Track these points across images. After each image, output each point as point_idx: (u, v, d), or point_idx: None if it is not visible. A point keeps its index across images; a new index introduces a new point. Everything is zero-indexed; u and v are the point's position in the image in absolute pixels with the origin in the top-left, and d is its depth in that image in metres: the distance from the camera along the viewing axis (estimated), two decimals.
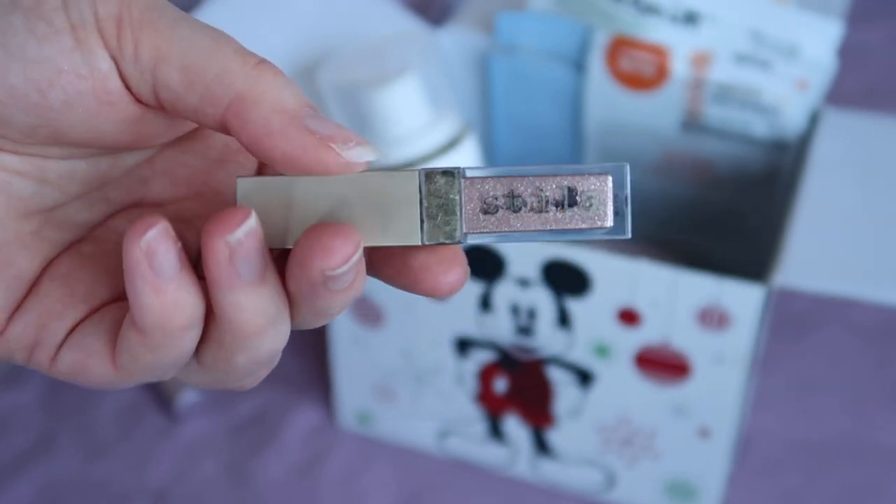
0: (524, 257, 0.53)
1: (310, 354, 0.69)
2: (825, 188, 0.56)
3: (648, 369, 0.55)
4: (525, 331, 0.56)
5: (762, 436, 0.64)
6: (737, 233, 0.66)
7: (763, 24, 0.59)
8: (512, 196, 0.25)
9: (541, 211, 0.25)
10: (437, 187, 0.25)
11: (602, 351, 0.55)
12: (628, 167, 0.25)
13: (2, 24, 0.25)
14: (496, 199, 0.25)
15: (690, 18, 0.60)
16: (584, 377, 0.57)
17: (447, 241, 0.25)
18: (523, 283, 0.54)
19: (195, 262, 0.28)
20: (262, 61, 0.26)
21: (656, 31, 0.60)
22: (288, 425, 0.65)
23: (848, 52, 0.65)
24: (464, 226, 0.25)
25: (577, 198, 0.25)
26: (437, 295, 0.27)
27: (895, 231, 0.55)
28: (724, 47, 0.60)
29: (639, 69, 0.60)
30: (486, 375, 0.59)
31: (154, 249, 0.25)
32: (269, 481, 0.63)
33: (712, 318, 0.52)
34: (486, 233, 0.26)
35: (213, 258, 0.25)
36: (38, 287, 0.28)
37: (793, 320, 0.71)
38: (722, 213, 0.65)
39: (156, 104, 0.26)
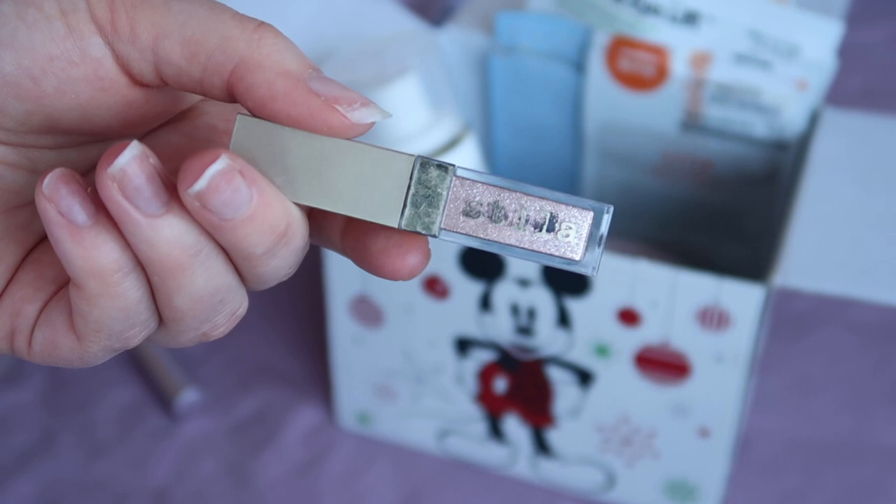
0: None
1: (310, 354, 0.69)
2: (825, 188, 0.56)
3: (648, 369, 0.55)
4: (525, 331, 0.56)
5: (762, 435, 0.64)
6: (737, 233, 0.66)
7: (763, 24, 0.59)
8: (496, 206, 0.26)
9: (519, 228, 0.26)
10: (429, 178, 0.26)
11: (602, 351, 0.55)
12: (612, 210, 0.26)
13: None
14: (480, 205, 0.26)
15: (690, 18, 0.60)
16: (584, 377, 0.57)
17: (422, 232, 0.26)
18: (523, 282, 0.54)
19: None
20: (262, 24, 0.26)
21: (656, 32, 0.60)
22: (288, 425, 0.65)
23: (848, 52, 0.65)
24: (442, 221, 0.26)
25: (556, 225, 0.26)
26: (397, 278, 0.27)
27: (895, 231, 0.55)
28: (724, 47, 0.60)
29: (639, 69, 0.60)
30: (486, 375, 0.59)
31: (56, 195, 0.25)
32: (269, 481, 0.63)
33: (712, 318, 0.52)
34: (461, 234, 0.26)
35: (104, 195, 0.24)
36: (15, 276, 0.28)
37: (793, 320, 0.71)
38: (722, 213, 0.65)
39: (158, 82, 0.26)
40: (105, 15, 0.25)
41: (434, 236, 0.26)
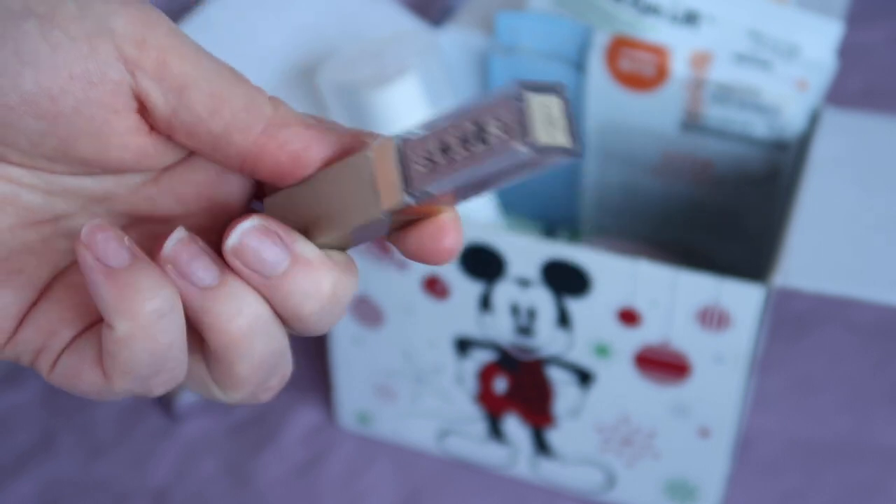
0: (524, 257, 0.53)
1: (310, 354, 0.69)
2: (825, 188, 0.56)
3: (648, 369, 0.55)
4: (525, 331, 0.56)
5: (762, 436, 0.64)
6: (737, 233, 0.66)
7: (763, 24, 0.59)
8: (443, 146, 0.26)
9: (470, 154, 0.26)
10: (382, 158, 0.27)
11: (602, 351, 0.55)
12: (527, 86, 0.25)
13: (14, 31, 0.26)
14: (431, 153, 0.26)
15: (690, 18, 0.60)
16: (584, 377, 0.57)
17: (404, 204, 0.27)
18: (523, 283, 0.54)
19: None
20: (273, 97, 0.28)
21: (656, 32, 0.60)
22: (288, 425, 0.65)
23: (848, 52, 0.65)
24: (410, 186, 0.26)
25: (487, 130, 0.26)
26: (443, 262, 0.28)
27: (895, 231, 0.55)
28: (724, 47, 0.60)
29: (639, 69, 0.60)
30: (486, 375, 0.59)
31: (93, 241, 0.26)
32: (269, 481, 0.63)
33: (712, 318, 0.52)
34: (434, 182, 0.26)
35: (168, 272, 0.27)
36: (50, 293, 0.28)
37: (793, 320, 0.71)
38: (722, 213, 0.65)
39: (166, 128, 0.27)
40: (131, 49, 0.26)
41: (415, 199, 0.26)
